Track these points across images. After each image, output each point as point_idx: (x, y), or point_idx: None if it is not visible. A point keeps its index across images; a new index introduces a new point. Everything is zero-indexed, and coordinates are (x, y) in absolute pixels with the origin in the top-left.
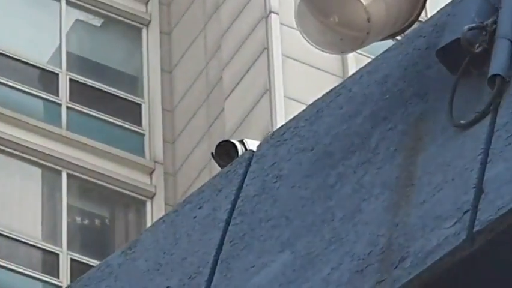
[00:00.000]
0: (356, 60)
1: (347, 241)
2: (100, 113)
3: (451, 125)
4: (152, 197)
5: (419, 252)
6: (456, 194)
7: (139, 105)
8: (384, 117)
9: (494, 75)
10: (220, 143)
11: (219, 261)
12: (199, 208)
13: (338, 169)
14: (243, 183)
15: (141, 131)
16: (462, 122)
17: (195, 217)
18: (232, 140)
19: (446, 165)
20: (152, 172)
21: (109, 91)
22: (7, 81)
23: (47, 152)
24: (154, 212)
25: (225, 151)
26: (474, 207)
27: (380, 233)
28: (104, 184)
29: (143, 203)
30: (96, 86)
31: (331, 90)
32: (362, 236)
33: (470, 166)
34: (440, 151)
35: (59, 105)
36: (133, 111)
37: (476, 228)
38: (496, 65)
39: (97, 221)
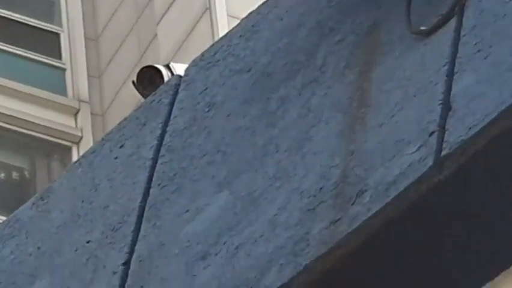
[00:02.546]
0: None
1: (295, 176)
2: (10, 47)
3: (409, 32)
4: (78, 141)
5: (379, 183)
6: (419, 113)
7: (57, 34)
8: (331, 28)
9: None
10: (142, 69)
11: (146, 208)
12: (121, 147)
13: (280, 92)
14: (170, 115)
15: (61, 65)
16: (422, 28)
17: (116, 158)
18: (156, 65)
19: (406, 79)
20: (76, 113)
21: (19, 20)
22: None
23: None
24: None
25: (148, 78)
26: (441, 127)
27: (333, 164)
28: (21, 130)
29: (69, 149)
30: (3, 15)
31: None
32: (311, 168)
33: (435, 79)
34: (398, 64)
35: None
36: (50, 43)
37: (444, 152)
38: None
39: (14, 174)
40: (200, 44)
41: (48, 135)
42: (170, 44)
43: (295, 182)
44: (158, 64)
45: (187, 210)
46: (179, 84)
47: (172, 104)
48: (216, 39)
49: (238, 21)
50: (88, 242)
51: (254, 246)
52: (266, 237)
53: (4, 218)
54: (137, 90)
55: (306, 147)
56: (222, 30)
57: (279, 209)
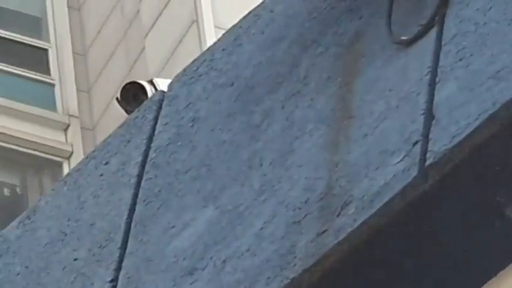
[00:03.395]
0: None
1: (280, 189)
2: None
3: (391, 42)
4: (69, 157)
5: (364, 194)
6: (402, 123)
7: (45, 50)
8: (313, 40)
9: None
10: (125, 85)
11: (132, 225)
12: (106, 164)
13: (264, 105)
14: (154, 131)
15: (50, 81)
16: (404, 37)
17: (101, 175)
18: (139, 81)
19: (389, 90)
20: (67, 128)
21: (7, 36)
22: None
23: None
24: None
25: (132, 94)
26: (425, 136)
27: (318, 176)
28: (11, 146)
29: (59, 165)
30: None
31: (249, 13)
32: (296, 181)
33: (417, 89)
34: (380, 74)
35: None
36: (38, 59)
37: (428, 162)
38: None
39: (5, 191)
40: (188, 56)
41: (38, 151)
42: (158, 56)
43: (281, 194)
44: (146, 78)
45: (173, 226)
46: (162, 100)
47: (156, 119)
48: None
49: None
50: (75, 260)
51: (241, 260)
52: (253, 251)
53: None
54: (121, 106)
55: (290, 159)
56: (210, 41)
57: (265, 223)
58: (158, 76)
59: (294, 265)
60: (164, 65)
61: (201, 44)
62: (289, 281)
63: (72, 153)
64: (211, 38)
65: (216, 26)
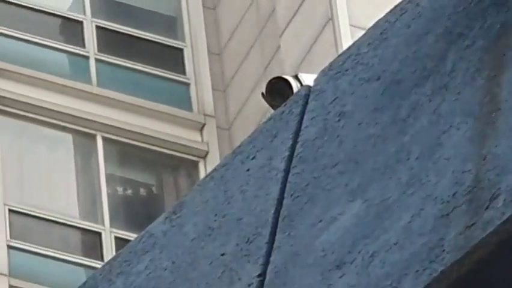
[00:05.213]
0: None
1: (428, 182)
2: (135, 63)
3: None
4: (204, 156)
5: None
6: None
7: (181, 50)
8: (459, 33)
9: None
10: (271, 80)
11: (280, 219)
12: (252, 158)
13: (411, 99)
14: (301, 125)
15: (185, 80)
16: None
17: (248, 170)
18: (284, 76)
19: None
20: (202, 127)
21: (143, 37)
22: (23, 35)
23: (77, 114)
24: None
25: (277, 89)
26: None
27: (466, 169)
28: (147, 146)
29: (195, 164)
30: (128, 32)
31: (395, 7)
32: (444, 174)
33: None
34: None
35: (86, 58)
36: (173, 58)
37: None
38: None
39: (142, 190)
40: (323, 55)
41: (174, 150)
42: (294, 55)
43: (429, 188)
44: (285, 75)
45: (321, 220)
46: (309, 95)
47: (302, 114)
48: (339, 49)
49: (361, 31)
50: (222, 255)
51: (389, 254)
52: (401, 245)
53: (133, 234)
54: (267, 101)
55: (438, 153)
56: (345, 40)
57: (413, 216)
58: None
59: (443, 258)
60: (300, 63)
61: (337, 43)
62: (438, 273)
63: (208, 152)
64: (346, 36)
65: (351, 25)
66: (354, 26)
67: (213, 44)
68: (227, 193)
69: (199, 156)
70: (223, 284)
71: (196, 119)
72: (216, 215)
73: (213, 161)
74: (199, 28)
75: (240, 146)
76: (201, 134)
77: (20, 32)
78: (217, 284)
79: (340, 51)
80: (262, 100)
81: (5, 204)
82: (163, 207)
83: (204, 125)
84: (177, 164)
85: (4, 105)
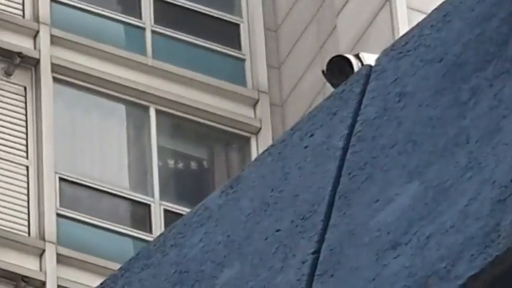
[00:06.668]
0: None
1: (486, 166)
2: (191, 37)
3: None
4: (257, 132)
5: None
6: None
7: (237, 25)
8: None
9: None
10: (332, 58)
11: (336, 197)
12: (311, 136)
13: (472, 82)
14: (361, 104)
15: (241, 56)
16: None
17: (306, 147)
18: (346, 55)
19: None
20: (256, 103)
21: (200, 10)
22: (80, 4)
23: (131, 85)
24: (260, 149)
25: (338, 68)
26: None
27: None
28: (200, 120)
29: (247, 140)
30: (185, 5)
31: None
32: (503, 159)
33: None
34: None
35: (143, 29)
36: (230, 33)
37: None
38: None
39: (193, 164)
40: (379, 36)
41: (227, 125)
42: (349, 35)
43: (487, 172)
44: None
45: (377, 200)
46: (369, 74)
47: (362, 93)
48: (395, 31)
49: (418, 13)
50: (277, 231)
51: (445, 237)
52: (457, 228)
53: (182, 208)
54: (327, 79)
55: (497, 137)
56: (402, 22)
57: (470, 200)
58: None
59: (499, 243)
60: (355, 44)
61: (393, 25)
62: (492, 258)
63: (260, 129)
64: (403, 18)
65: (408, 7)
66: (411, 9)
67: (270, 20)
68: (284, 169)
69: (251, 132)
70: (277, 260)
71: (250, 95)
72: (272, 190)
73: (265, 137)
74: (257, 4)
75: (298, 123)
76: (254, 110)
77: (77, 1)
78: (271, 260)
79: (396, 33)
80: (316, 78)
81: (56, 173)
82: (213, 181)
83: (257, 101)
84: (229, 139)
85: (59, 73)
